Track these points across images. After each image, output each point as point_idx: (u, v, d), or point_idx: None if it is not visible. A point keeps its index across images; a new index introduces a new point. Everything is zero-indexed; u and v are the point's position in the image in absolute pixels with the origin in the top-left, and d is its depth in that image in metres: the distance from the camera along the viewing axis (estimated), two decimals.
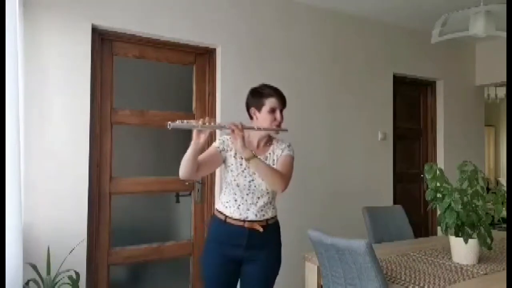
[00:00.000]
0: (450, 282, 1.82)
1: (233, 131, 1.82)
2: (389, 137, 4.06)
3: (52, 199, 2.52)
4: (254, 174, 1.97)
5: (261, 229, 1.96)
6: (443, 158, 4.45)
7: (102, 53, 2.81)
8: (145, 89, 3.05)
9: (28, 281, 2.23)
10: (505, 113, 8.14)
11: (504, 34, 2.55)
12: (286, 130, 2.02)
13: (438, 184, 2.12)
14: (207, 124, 1.76)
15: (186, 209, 3.14)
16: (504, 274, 1.92)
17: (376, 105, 3.98)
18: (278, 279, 2.11)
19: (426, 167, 2.17)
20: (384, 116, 4.04)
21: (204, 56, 3.19)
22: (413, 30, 4.21)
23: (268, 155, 2.05)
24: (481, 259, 2.17)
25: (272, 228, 2.04)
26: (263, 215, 2.00)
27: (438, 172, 2.14)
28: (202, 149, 1.88)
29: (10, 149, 1.80)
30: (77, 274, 2.34)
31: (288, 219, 3.36)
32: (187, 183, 3.06)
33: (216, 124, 1.82)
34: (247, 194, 1.98)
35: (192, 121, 1.80)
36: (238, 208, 1.98)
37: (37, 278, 2.25)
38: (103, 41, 2.81)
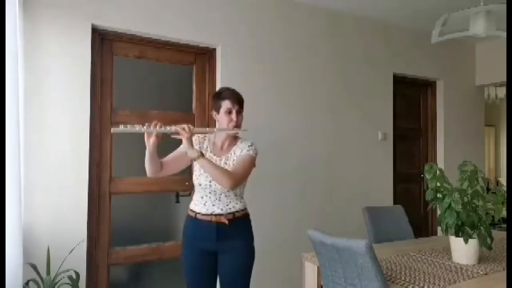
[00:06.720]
0: (450, 282, 1.82)
1: (180, 133, 1.92)
2: (389, 137, 4.06)
3: (52, 199, 2.52)
4: None
5: (226, 222, 2.05)
6: (443, 158, 4.45)
7: (102, 53, 2.81)
8: (145, 89, 3.05)
9: (28, 281, 2.23)
10: (505, 113, 8.14)
11: (504, 34, 2.54)
12: (244, 130, 2.09)
13: (438, 184, 2.12)
14: (152, 127, 1.91)
15: (186, 209, 3.12)
16: (504, 274, 1.92)
17: (376, 105, 3.98)
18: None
19: (426, 167, 2.17)
20: (384, 116, 4.04)
21: (204, 56, 3.19)
22: (413, 30, 4.21)
23: (229, 155, 2.13)
24: (481, 259, 2.17)
25: (240, 220, 2.12)
26: (230, 208, 2.09)
27: (438, 172, 2.14)
28: (159, 150, 2.02)
29: (10, 149, 1.80)
30: (77, 274, 2.34)
31: (288, 219, 3.38)
32: (187, 183, 3.06)
33: (166, 128, 1.93)
34: (210, 193, 2.10)
35: (135, 125, 1.94)
36: (205, 205, 2.10)
37: (37, 278, 2.25)
38: (103, 41, 2.82)
